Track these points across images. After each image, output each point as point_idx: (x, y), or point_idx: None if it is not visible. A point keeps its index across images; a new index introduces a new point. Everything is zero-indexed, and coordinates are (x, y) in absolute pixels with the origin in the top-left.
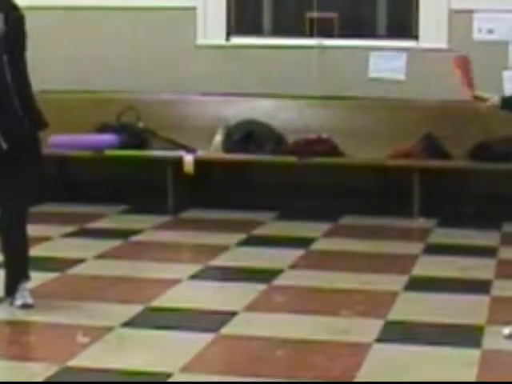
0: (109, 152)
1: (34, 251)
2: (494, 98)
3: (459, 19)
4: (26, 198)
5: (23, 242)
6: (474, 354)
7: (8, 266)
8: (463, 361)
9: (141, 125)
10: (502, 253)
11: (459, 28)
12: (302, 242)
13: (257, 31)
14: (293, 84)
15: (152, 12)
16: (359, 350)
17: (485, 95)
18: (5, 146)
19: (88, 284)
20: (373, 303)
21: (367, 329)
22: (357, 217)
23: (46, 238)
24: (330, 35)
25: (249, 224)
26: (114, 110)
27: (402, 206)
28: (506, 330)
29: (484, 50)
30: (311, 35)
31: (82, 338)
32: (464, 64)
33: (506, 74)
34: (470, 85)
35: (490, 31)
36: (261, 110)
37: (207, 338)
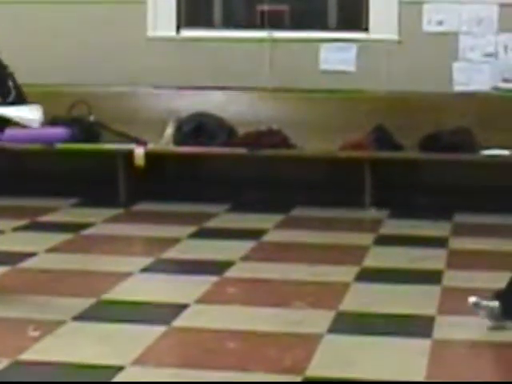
0: (60, 145)
1: None
2: None
3: (409, 10)
4: None
5: None
6: (424, 344)
7: None
8: (414, 351)
9: (92, 118)
10: (453, 243)
11: (409, 19)
12: (254, 234)
13: (207, 24)
14: (244, 76)
15: (102, 5)
16: (311, 341)
17: None
18: None
19: (39, 277)
20: (324, 294)
21: (319, 320)
22: (308, 208)
23: None
24: (281, 27)
25: (200, 216)
26: (64, 104)
27: (354, 198)
28: (473, 299)
29: (434, 41)
30: (262, 28)
31: (33, 332)
32: None
33: (456, 65)
34: None
35: (440, 22)
36: (212, 102)
37: (159, 330)
